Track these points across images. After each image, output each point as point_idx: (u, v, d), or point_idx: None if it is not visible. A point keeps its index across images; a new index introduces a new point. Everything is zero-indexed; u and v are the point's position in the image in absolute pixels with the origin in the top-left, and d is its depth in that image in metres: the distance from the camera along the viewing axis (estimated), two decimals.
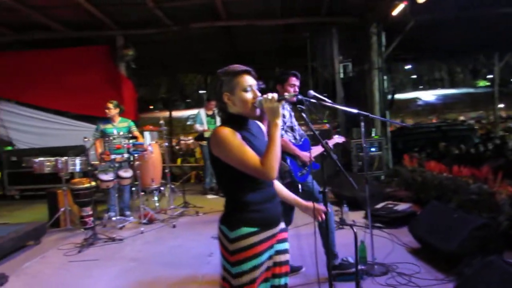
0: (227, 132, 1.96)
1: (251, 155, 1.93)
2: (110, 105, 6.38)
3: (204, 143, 8.21)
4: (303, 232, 4.90)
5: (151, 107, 32.02)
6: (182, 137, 16.96)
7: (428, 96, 30.63)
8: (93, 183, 6.04)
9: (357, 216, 5.70)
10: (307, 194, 3.71)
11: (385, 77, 9.07)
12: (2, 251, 4.73)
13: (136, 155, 6.35)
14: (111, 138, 6.24)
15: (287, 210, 3.57)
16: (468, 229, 3.71)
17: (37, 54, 9.58)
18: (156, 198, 6.96)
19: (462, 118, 23.60)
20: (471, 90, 30.12)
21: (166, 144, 6.82)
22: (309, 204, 2.29)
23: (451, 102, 28.88)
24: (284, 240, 2.19)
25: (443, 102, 29.19)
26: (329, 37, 9.39)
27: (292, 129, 3.89)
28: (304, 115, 2.30)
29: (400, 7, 7.27)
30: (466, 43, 12.34)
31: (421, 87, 33.86)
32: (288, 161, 3.69)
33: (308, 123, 2.33)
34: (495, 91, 16.59)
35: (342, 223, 5.35)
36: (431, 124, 17.82)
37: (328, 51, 9.56)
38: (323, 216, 2.27)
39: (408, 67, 30.70)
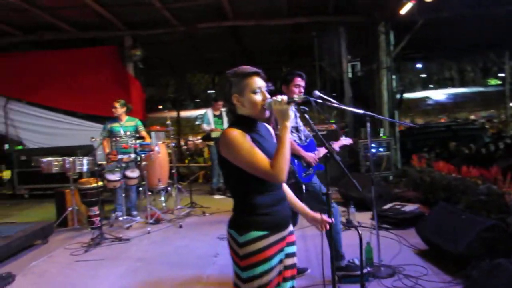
0: (237, 134, 1.94)
1: (261, 158, 1.91)
2: (117, 104, 6.41)
3: (211, 143, 8.20)
4: (309, 233, 4.87)
5: (160, 107, 32.14)
6: (190, 137, 17.00)
7: (438, 95, 30.34)
8: (100, 183, 6.07)
9: (364, 217, 5.65)
10: (312, 195, 3.70)
11: (393, 77, 9.00)
12: (9, 250, 4.76)
13: (143, 155, 6.37)
14: (118, 138, 6.26)
15: (293, 211, 3.54)
16: (476, 231, 3.65)
17: (46, 55, 9.67)
18: (163, 198, 6.98)
19: (472, 117, 23.37)
20: (481, 89, 29.81)
21: (173, 144, 6.81)
22: (316, 215, 2.27)
23: (462, 101, 28.59)
24: (293, 243, 2.17)
25: (454, 101, 28.92)
26: (336, 36, 9.35)
27: (297, 129, 3.86)
28: (306, 116, 2.27)
29: (408, 5, 7.20)
30: (476, 41, 12.23)
31: (431, 86, 33.58)
32: (293, 161, 3.67)
33: (310, 124, 2.30)
34: (506, 89, 16.40)
35: (348, 224, 5.30)
36: (440, 123, 17.68)
37: (335, 50, 9.52)
38: (328, 227, 2.25)
39: (419, 65, 30.47)
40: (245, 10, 8.50)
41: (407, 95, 27.24)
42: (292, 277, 2.16)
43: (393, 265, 3.93)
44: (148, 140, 6.70)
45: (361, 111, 3.59)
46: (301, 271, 3.86)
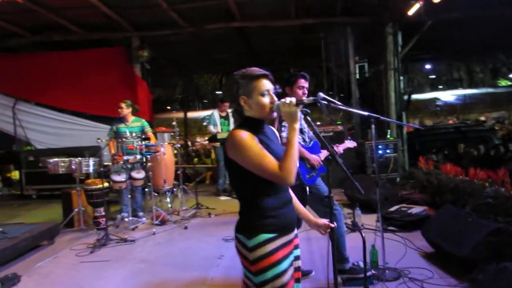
0: (246, 136, 1.93)
1: (270, 160, 1.90)
2: (123, 105, 6.44)
3: (218, 144, 8.20)
4: (314, 235, 4.83)
5: (169, 107, 32.32)
6: (198, 138, 17.04)
7: (448, 96, 30.16)
8: (106, 184, 6.09)
9: (370, 219, 5.60)
10: (316, 197, 3.68)
11: (401, 78, 8.95)
12: (16, 251, 4.78)
13: (148, 156, 6.38)
14: (124, 138, 6.27)
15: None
16: (483, 234, 3.60)
17: (54, 56, 9.77)
18: (168, 199, 6.99)
19: (482, 118, 23.17)
20: (491, 90, 29.56)
21: (179, 145, 6.81)
22: (318, 220, 2.27)
23: (471, 103, 28.39)
24: (297, 246, 2.16)
25: (463, 102, 28.73)
26: (344, 37, 9.32)
27: (301, 131, 3.84)
28: (308, 118, 2.26)
29: (416, 6, 7.15)
30: (485, 42, 12.11)
31: (441, 87, 33.36)
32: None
33: (312, 126, 2.29)
34: None
35: (354, 226, 5.27)
36: (449, 125, 17.49)
37: (343, 51, 9.49)
38: (329, 231, 2.23)
39: (428, 66, 30.29)
40: (253, 11, 8.50)
41: (415, 96, 27.13)
42: (297, 280, 2.15)
43: (399, 268, 3.89)
44: (153, 141, 6.70)
45: (365, 113, 3.56)
46: (306, 274, 3.84)
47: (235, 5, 8.02)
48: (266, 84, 2.02)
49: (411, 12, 7.40)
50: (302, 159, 3.68)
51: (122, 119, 6.49)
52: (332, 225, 2.21)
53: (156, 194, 6.78)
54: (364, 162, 8.24)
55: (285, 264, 1.97)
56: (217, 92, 27.07)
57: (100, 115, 9.62)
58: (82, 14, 8.26)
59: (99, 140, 6.02)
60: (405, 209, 5.56)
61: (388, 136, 8.47)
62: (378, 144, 8.12)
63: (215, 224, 6.24)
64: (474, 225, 3.82)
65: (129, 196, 6.31)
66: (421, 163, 6.92)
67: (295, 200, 2.26)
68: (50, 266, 4.74)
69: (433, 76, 33.58)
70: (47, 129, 9.96)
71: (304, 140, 3.85)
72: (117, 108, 6.50)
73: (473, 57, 23.34)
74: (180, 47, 11.03)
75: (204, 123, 8.67)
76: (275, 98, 2.03)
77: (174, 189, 7.38)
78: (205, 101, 32.56)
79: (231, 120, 8.35)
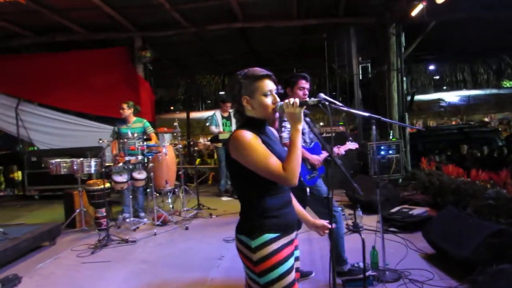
0: (250, 136, 1.92)
1: (275, 161, 1.90)
2: (124, 105, 6.45)
3: (219, 145, 8.20)
4: (314, 236, 4.81)
5: (172, 108, 32.39)
6: (201, 138, 17.02)
7: (452, 97, 30.04)
8: (108, 185, 6.11)
9: (372, 220, 5.58)
10: (316, 198, 3.67)
11: (404, 79, 8.92)
12: (16, 251, 4.79)
13: (150, 156, 6.39)
14: (125, 139, 6.29)
15: None
16: (483, 235, 3.59)
17: (57, 56, 9.80)
18: (169, 200, 6.99)
19: (487, 119, 23.08)
20: (496, 91, 29.43)
21: (180, 146, 6.81)
22: (316, 221, 2.27)
23: (475, 104, 28.26)
24: (297, 247, 2.17)
25: (467, 103, 28.60)
26: (347, 38, 9.29)
27: (302, 132, 3.83)
28: (308, 119, 2.25)
29: (419, 7, 7.12)
30: (489, 43, 12.06)
31: (445, 88, 33.26)
32: None
33: (311, 127, 2.28)
34: None
35: (355, 227, 5.25)
36: (452, 126, 17.42)
37: (346, 52, 9.46)
38: (327, 232, 2.23)
39: (432, 67, 30.21)
40: (255, 12, 8.48)
41: (419, 97, 27.06)
42: (296, 280, 2.13)
43: (399, 269, 3.89)
44: (154, 141, 6.68)
45: (366, 114, 3.54)
46: (306, 275, 3.84)
47: (237, 6, 8.01)
48: (269, 85, 2.02)
49: (414, 13, 7.36)
50: (302, 160, 3.66)
51: (124, 120, 6.50)
52: (330, 227, 2.20)
53: (158, 195, 6.80)
54: (366, 163, 8.22)
55: (289, 263, 1.96)
56: (220, 93, 27.11)
57: (103, 116, 9.63)
58: (85, 15, 8.26)
59: (100, 141, 6.03)
60: (406, 210, 5.54)
61: (391, 137, 8.43)
62: (380, 145, 8.10)
63: (216, 224, 6.23)
64: (475, 227, 3.81)
65: (131, 196, 6.32)
66: (423, 164, 6.90)
67: (293, 200, 2.25)
68: (51, 267, 4.75)
69: (437, 77, 33.48)
70: (50, 129, 9.98)
71: (304, 141, 3.83)
72: (119, 109, 6.51)
73: (477, 58, 23.26)
74: (183, 48, 11.02)
75: (207, 124, 8.68)
76: (278, 99, 2.04)
77: (176, 190, 7.38)
78: (208, 101, 32.59)
79: (233, 120, 8.33)
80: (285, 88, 3.78)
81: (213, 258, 4.67)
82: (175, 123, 6.72)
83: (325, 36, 10.02)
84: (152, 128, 6.77)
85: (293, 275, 1.97)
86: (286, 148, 2.73)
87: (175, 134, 6.83)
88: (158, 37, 9.44)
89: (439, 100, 29.91)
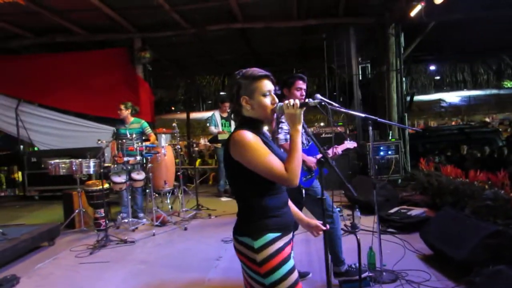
0: (251, 136, 1.92)
1: (277, 162, 1.90)
2: (122, 106, 6.48)
3: (219, 145, 8.20)
4: (312, 236, 4.81)
5: (173, 108, 32.41)
6: (202, 139, 17.03)
7: (452, 97, 30.02)
8: (107, 185, 6.12)
9: (370, 221, 5.52)
10: (313, 199, 3.67)
11: (403, 79, 8.92)
12: (15, 252, 4.80)
13: (149, 157, 6.40)
14: (124, 140, 6.30)
15: None
16: (480, 237, 3.59)
17: (57, 57, 9.82)
18: (168, 201, 7.00)
19: (487, 119, 23.08)
20: (496, 91, 29.40)
21: (178, 146, 6.82)
22: (311, 221, 2.27)
23: (476, 104, 28.24)
24: (291, 248, 2.15)
25: (468, 103, 28.58)
26: (346, 38, 9.29)
27: None
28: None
29: (418, 8, 7.12)
30: (488, 43, 12.06)
31: (446, 88, 33.22)
32: None
33: (305, 129, 2.29)
34: None
35: (353, 228, 5.26)
36: (453, 126, 17.42)
37: (345, 52, 9.46)
38: (321, 233, 2.23)
39: (432, 68, 30.19)
40: (255, 12, 8.49)
41: (420, 98, 27.07)
42: None
43: (396, 270, 3.89)
44: (152, 139, 6.69)
45: (362, 115, 3.55)
46: (303, 275, 3.84)
47: (237, 6, 8.01)
48: (268, 85, 2.03)
49: (413, 13, 7.37)
50: None
51: (123, 121, 6.53)
52: (324, 228, 2.20)
53: (157, 195, 6.80)
54: (366, 163, 8.22)
55: (291, 262, 1.97)
56: (220, 93, 27.12)
57: (103, 117, 9.66)
58: (85, 16, 8.28)
59: (99, 142, 6.04)
60: (405, 211, 5.54)
61: (390, 137, 8.44)
62: (379, 145, 8.11)
63: (215, 225, 6.24)
64: (473, 228, 3.81)
65: (130, 197, 6.32)
66: (422, 164, 6.90)
67: (289, 201, 2.26)
68: (50, 267, 4.76)
69: (438, 77, 33.44)
70: (50, 130, 10.00)
71: (301, 142, 3.84)
72: (117, 110, 6.53)
73: (477, 58, 23.23)
74: (182, 48, 11.04)
75: (207, 124, 8.69)
76: (276, 99, 2.04)
77: (175, 190, 7.39)
78: (209, 102, 32.60)
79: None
80: (282, 89, 3.79)
81: (211, 258, 4.67)
82: (174, 124, 6.73)
83: (324, 36, 10.02)
84: (150, 129, 6.78)
85: (296, 274, 1.97)
86: (282, 150, 2.75)
87: (175, 134, 6.83)
88: (158, 38, 9.46)
89: (439, 100, 29.89)
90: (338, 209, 5.81)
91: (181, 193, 6.86)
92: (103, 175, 5.87)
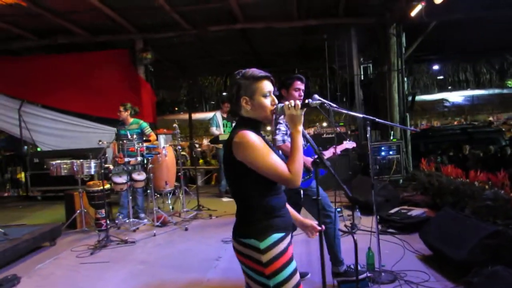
0: (255, 137, 1.92)
1: (281, 162, 1.91)
2: (121, 108, 6.52)
3: (220, 146, 8.21)
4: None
5: (176, 108, 32.43)
6: (205, 139, 17.05)
7: (456, 97, 29.86)
8: (108, 186, 6.14)
9: (370, 221, 5.57)
10: (310, 200, 3.66)
11: (405, 79, 8.90)
12: (16, 252, 4.83)
13: (149, 158, 6.42)
14: (125, 140, 6.33)
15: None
16: (480, 237, 3.58)
17: (59, 58, 9.88)
18: (169, 201, 7.01)
19: (491, 119, 22.97)
20: (499, 90, 29.24)
21: (179, 147, 6.84)
22: (306, 221, 2.26)
23: (480, 104, 28.09)
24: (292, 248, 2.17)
25: (471, 103, 28.42)
26: (347, 38, 9.29)
27: None
28: None
29: (418, 7, 7.11)
30: (490, 43, 12.02)
31: (450, 87, 33.08)
32: None
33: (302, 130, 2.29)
34: None
35: (353, 228, 5.26)
36: (456, 126, 17.35)
37: (347, 52, 9.46)
38: (317, 234, 2.23)
39: (435, 67, 30.06)
40: (255, 13, 8.50)
41: (423, 97, 26.97)
42: None
43: (395, 271, 3.88)
44: (153, 138, 6.71)
45: (360, 115, 3.55)
46: (302, 276, 3.83)
47: (237, 7, 8.02)
48: (268, 86, 2.03)
49: (413, 13, 7.36)
50: None
51: (123, 122, 6.56)
52: (319, 228, 2.20)
53: (158, 196, 6.81)
54: (367, 164, 8.20)
55: (294, 263, 1.97)
56: (223, 94, 27.11)
57: (105, 117, 9.69)
58: (86, 17, 8.31)
59: (100, 142, 6.07)
60: (405, 211, 5.53)
61: (391, 137, 8.42)
62: (381, 145, 8.09)
63: (215, 225, 6.25)
64: (472, 228, 3.80)
65: (130, 197, 6.33)
66: (423, 164, 6.89)
67: None
68: (51, 267, 4.79)
69: (441, 77, 33.29)
70: (53, 131, 10.06)
71: None
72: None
73: (479, 58, 23.14)
74: (183, 49, 11.05)
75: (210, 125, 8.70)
76: (276, 100, 2.05)
77: (176, 191, 7.41)
78: (212, 102, 32.59)
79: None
80: (280, 90, 3.80)
81: (210, 259, 4.68)
82: (175, 125, 6.75)
83: (325, 36, 10.01)
84: (150, 129, 6.80)
85: (298, 275, 1.97)
86: (279, 151, 2.75)
87: (176, 135, 6.84)
88: (159, 39, 9.49)
89: (443, 100, 29.75)
90: (339, 209, 5.82)
91: (182, 194, 6.87)
92: (103, 176, 5.89)
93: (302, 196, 3.46)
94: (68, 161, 6.36)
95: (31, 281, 4.36)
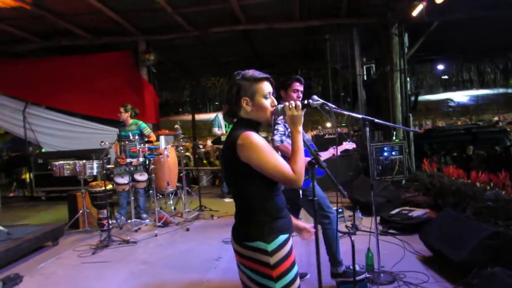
0: (260, 138, 1.92)
1: (284, 163, 1.91)
2: (121, 109, 6.56)
3: (222, 146, 8.22)
4: (312, 237, 4.83)
5: (180, 110, 32.49)
6: (208, 140, 17.06)
7: (460, 97, 29.70)
8: (110, 186, 6.18)
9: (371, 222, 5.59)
10: (309, 200, 3.67)
11: (408, 79, 8.88)
12: (18, 252, 4.87)
13: (151, 158, 6.45)
14: (126, 141, 6.36)
15: (294, 214, 3.53)
16: (480, 238, 3.56)
17: (63, 60, 9.91)
18: (171, 202, 7.04)
19: (496, 119, 22.83)
20: (504, 90, 29.05)
21: (181, 148, 6.86)
22: (299, 223, 2.27)
23: (484, 103, 27.91)
24: None
25: (476, 103, 28.26)
26: (349, 39, 9.28)
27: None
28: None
29: (419, 7, 7.10)
30: (493, 43, 11.97)
31: (454, 87, 32.93)
32: None
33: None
34: None
35: (354, 228, 5.26)
36: (460, 126, 17.26)
37: (349, 52, 9.45)
38: (313, 237, 2.23)
39: (440, 67, 29.94)
40: (257, 14, 8.51)
41: (427, 97, 26.86)
42: None
43: (394, 272, 3.89)
44: (152, 139, 6.73)
45: (359, 116, 3.55)
46: (301, 276, 3.84)
47: (239, 8, 8.04)
48: (268, 87, 2.04)
49: (415, 13, 7.35)
50: None
51: (123, 123, 6.61)
52: (314, 230, 2.21)
53: (160, 196, 6.84)
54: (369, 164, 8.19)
55: (297, 266, 1.98)
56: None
57: (108, 118, 9.74)
58: (89, 19, 8.36)
59: (102, 143, 6.10)
60: (406, 212, 5.52)
61: (394, 138, 8.41)
62: (383, 146, 8.08)
63: (217, 226, 6.27)
64: (473, 229, 3.79)
65: (132, 198, 6.36)
66: (425, 165, 6.87)
67: None
68: (53, 266, 4.83)
69: (446, 77, 33.14)
70: (57, 132, 10.12)
71: None
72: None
73: (483, 57, 23.02)
74: (186, 51, 11.09)
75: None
76: (275, 102, 2.06)
77: (178, 191, 7.43)
78: (215, 103, 32.63)
79: None
80: (279, 91, 3.81)
81: (211, 259, 4.71)
82: (176, 125, 6.77)
83: (327, 37, 10.00)
84: (149, 129, 6.82)
85: (298, 278, 1.98)
86: (278, 151, 2.76)
87: (178, 136, 6.87)
88: (161, 41, 9.53)
89: (447, 100, 29.60)
90: (340, 210, 5.82)
91: (184, 194, 6.89)
92: (105, 177, 5.92)
93: (301, 196, 3.48)
94: (71, 161, 6.41)
95: (33, 280, 4.40)
